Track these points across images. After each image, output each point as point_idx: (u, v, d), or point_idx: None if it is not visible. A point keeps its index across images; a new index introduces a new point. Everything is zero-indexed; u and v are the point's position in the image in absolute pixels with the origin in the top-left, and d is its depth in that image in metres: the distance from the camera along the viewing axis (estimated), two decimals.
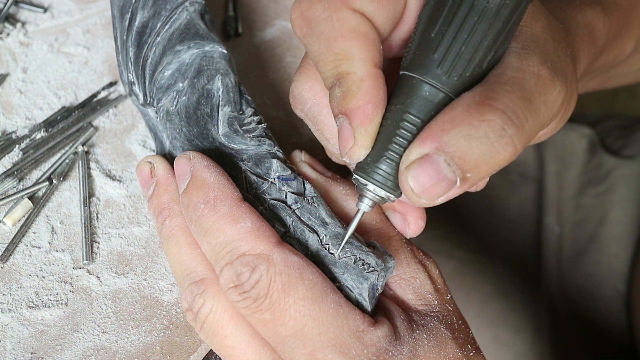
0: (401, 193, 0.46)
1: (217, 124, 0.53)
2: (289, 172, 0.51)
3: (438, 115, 0.43)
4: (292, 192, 0.50)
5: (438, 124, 0.43)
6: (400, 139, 0.45)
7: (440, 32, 0.44)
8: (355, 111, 0.45)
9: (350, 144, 0.45)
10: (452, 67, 0.44)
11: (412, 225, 0.51)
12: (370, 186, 0.46)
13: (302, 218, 0.49)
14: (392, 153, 0.45)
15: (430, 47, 0.44)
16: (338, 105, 0.45)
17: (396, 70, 0.47)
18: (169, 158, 0.54)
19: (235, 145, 0.52)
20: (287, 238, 0.48)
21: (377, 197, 0.47)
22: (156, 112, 0.56)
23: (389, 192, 0.46)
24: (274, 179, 0.50)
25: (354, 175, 0.47)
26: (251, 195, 0.50)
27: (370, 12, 0.45)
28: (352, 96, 0.45)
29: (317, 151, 0.57)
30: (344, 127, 0.45)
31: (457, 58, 0.43)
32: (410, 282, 0.49)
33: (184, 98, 0.54)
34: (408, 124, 0.44)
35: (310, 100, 0.50)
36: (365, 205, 0.47)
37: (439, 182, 0.42)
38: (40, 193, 0.58)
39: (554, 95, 0.44)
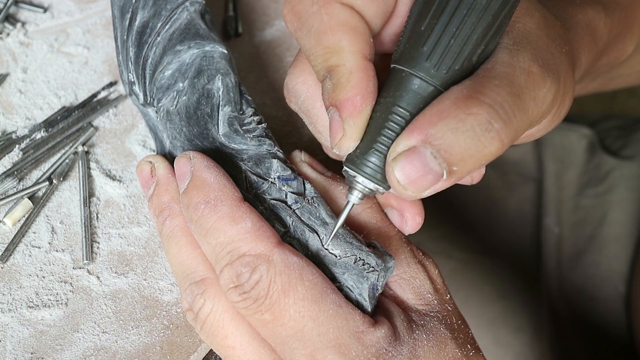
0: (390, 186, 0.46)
1: (218, 124, 0.53)
2: (289, 172, 0.51)
3: (426, 108, 0.43)
4: (292, 192, 0.50)
5: (425, 117, 0.43)
6: (389, 132, 0.45)
7: (430, 25, 0.44)
8: (345, 103, 0.45)
9: (340, 135, 0.46)
10: (441, 60, 0.43)
11: (409, 221, 0.51)
12: (359, 178, 0.46)
13: (302, 218, 0.49)
14: (381, 145, 0.45)
15: (420, 40, 0.44)
16: (329, 97, 0.45)
17: (389, 65, 0.47)
18: (169, 158, 0.54)
19: (235, 145, 0.52)
20: (287, 238, 0.48)
21: (366, 189, 0.46)
22: (156, 112, 0.56)
23: (377, 184, 0.46)
24: (274, 179, 0.50)
25: (344, 167, 0.47)
26: (251, 195, 0.50)
27: (359, 5, 0.45)
28: (341, 88, 0.45)
29: (317, 151, 0.57)
30: (334, 119, 0.46)
31: (446, 51, 0.43)
32: (410, 282, 0.49)
33: (184, 98, 0.54)
34: (397, 117, 0.44)
35: (304, 94, 0.51)
36: (354, 197, 0.47)
37: (425, 174, 0.42)
38: (40, 193, 0.58)
39: (544, 92, 0.44)
